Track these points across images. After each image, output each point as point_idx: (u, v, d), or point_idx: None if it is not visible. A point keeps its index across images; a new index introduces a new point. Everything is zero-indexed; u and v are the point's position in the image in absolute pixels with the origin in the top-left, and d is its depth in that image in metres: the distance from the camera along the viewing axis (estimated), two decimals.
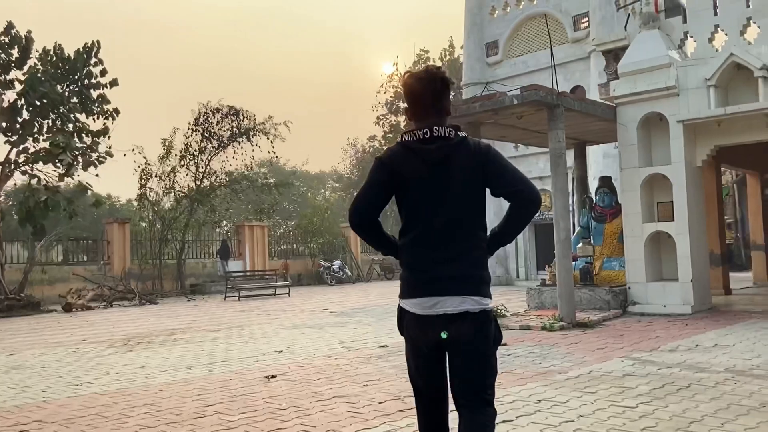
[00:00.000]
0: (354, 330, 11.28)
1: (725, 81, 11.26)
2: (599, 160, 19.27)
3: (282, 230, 31.48)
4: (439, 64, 40.37)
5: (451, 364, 2.80)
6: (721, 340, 8.36)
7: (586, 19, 21.27)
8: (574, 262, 12.09)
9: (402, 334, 2.93)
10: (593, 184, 16.18)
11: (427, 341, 2.78)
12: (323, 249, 29.91)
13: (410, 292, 2.82)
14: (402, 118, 41.16)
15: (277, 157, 26.21)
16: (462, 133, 2.85)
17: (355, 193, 3.02)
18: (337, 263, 28.05)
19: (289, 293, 21.55)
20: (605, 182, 13.64)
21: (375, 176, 2.86)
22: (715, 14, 11.67)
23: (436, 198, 2.77)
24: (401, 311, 2.89)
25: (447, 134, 2.80)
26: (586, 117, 11.75)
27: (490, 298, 2.82)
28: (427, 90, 2.85)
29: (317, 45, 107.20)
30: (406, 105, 2.94)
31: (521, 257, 22.80)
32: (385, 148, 30.31)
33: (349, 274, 28.39)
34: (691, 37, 11.92)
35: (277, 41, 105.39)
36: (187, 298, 21.97)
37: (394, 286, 26.20)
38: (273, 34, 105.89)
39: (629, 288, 11.93)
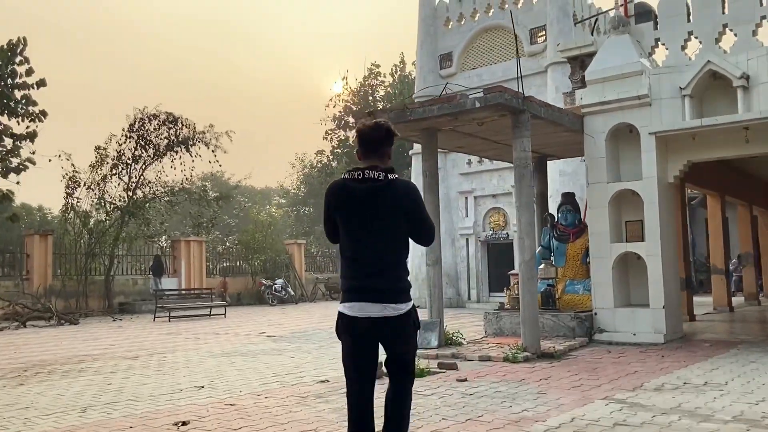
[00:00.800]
0: (291, 359, 9.94)
1: (700, 91, 10.45)
2: (555, 177, 18.44)
3: (222, 247, 29.74)
4: (389, 79, 39.49)
5: (386, 349, 3.68)
6: (709, 376, 7.35)
7: (543, 32, 20.56)
8: None
9: (339, 338, 3.71)
10: (551, 202, 15.29)
11: (356, 335, 3.59)
12: (265, 267, 28.37)
13: (345, 297, 3.64)
14: (351, 133, 40.06)
15: (220, 165, 24.61)
16: (392, 176, 3.59)
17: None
18: (279, 282, 26.54)
19: (225, 314, 19.97)
20: (568, 199, 12.70)
21: (325, 209, 3.74)
22: (689, 20, 10.90)
23: (364, 226, 3.58)
24: (339, 314, 3.68)
25: (377, 177, 3.55)
26: (551, 127, 10.77)
27: (409, 301, 3.65)
28: (373, 136, 3.63)
29: (266, 57, 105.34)
30: (357, 147, 3.72)
31: (473, 278, 21.77)
32: (333, 163, 29.00)
33: (292, 293, 26.91)
34: (663, 44, 11.11)
35: (226, 52, 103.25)
36: (112, 318, 20.16)
37: None
38: (222, 45, 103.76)
39: (595, 314, 10.93)
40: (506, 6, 21.76)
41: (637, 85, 10.64)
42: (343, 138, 39.82)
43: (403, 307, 3.60)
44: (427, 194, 10.54)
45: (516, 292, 11.92)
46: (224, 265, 28.92)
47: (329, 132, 40.43)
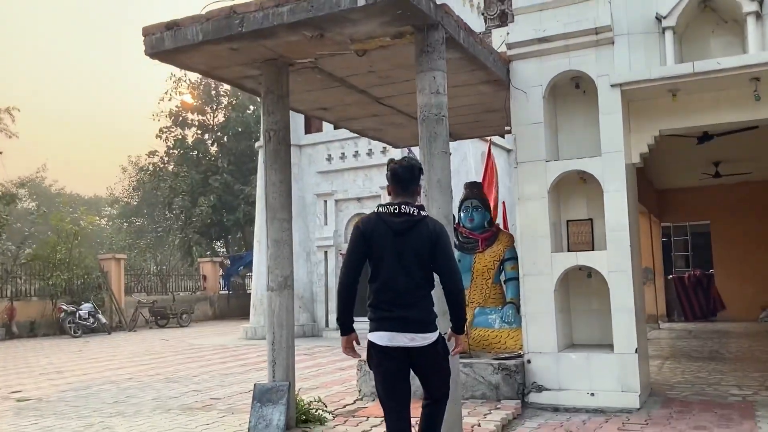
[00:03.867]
0: None
1: (682, 25, 7.03)
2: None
3: (13, 262, 23.36)
4: None
5: (419, 377, 3.99)
6: None
7: None
8: None
9: (370, 368, 4.00)
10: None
11: (389, 365, 3.87)
12: (72, 288, 22.57)
13: (376, 326, 3.88)
14: (189, 132, 34.87)
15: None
16: (423, 213, 3.99)
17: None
18: (86, 307, 20.89)
19: None
20: (474, 192, 8.88)
21: (354, 242, 3.98)
22: None
23: (396, 258, 3.87)
24: (370, 344, 3.91)
25: (411, 212, 3.92)
26: (465, 71, 6.89)
27: (436, 331, 3.92)
28: (405, 175, 4.01)
29: (82, 33, 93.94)
30: (389, 183, 4.06)
31: (333, 300, 17.59)
32: (170, 167, 23.96)
33: (104, 321, 21.34)
34: None
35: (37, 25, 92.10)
36: None
37: (165, 337, 19.92)
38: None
39: (528, 362, 7.14)
40: None
41: (593, 14, 7.05)
42: (179, 137, 34.46)
43: (432, 336, 3.88)
44: (273, 170, 6.32)
45: None
46: (16, 286, 22.62)
47: (164, 130, 34.90)
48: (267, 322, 6.32)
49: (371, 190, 17.26)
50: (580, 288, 7.59)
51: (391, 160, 4.10)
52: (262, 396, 6.00)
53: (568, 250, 7.44)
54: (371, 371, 4.08)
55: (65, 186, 58.90)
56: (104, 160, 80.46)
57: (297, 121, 18.27)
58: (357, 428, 5.94)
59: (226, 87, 34.36)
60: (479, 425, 5.88)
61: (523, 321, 7.26)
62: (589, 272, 7.31)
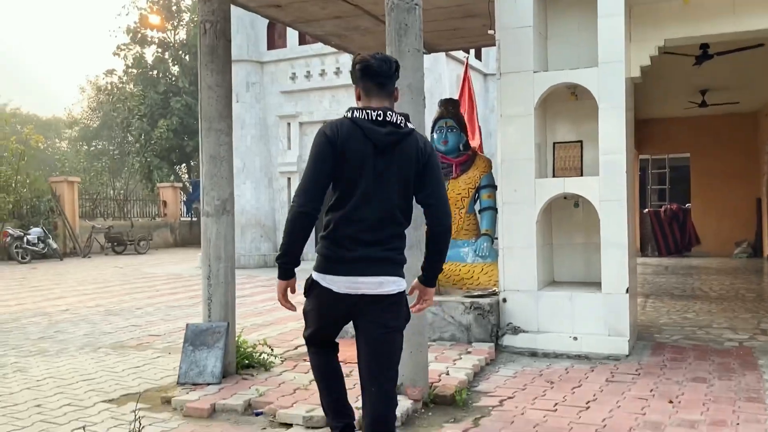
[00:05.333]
0: None
1: None
2: None
3: None
4: None
5: (362, 340, 3.03)
6: None
7: None
8: None
9: (307, 296, 3.13)
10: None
11: (337, 314, 3.09)
12: (20, 211, 21.33)
13: (330, 267, 2.98)
14: (149, 50, 32.87)
15: None
16: (410, 125, 3.01)
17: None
18: (35, 231, 19.74)
19: None
20: (450, 109, 7.88)
21: (319, 154, 2.91)
22: None
23: (374, 180, 2.92)
24: (313, 284, 3.04)
25: (398, 122, 2.95)
26: None
27: (404, 277, 3.03)
28: (383, 71, 3.00)
29: None
30: (357, 83, 3.04)
31: None
32: (128, 87, 22.18)
33: (55, 246, 20.24)
34: None
35: None
36: None
37: (120, 264, 18.97)
38: None
39: (504, 300, 6.34)
40: None
41: None
42: (138, 55, 32.51)
43: (403, 283, 3.04)
44: (208, 71, 5.26)
45: None
46: None
47: (121, 47, 32.91)
48: (202, 253, 5.38)
49: (339, 113, 16.01)
50: (563, 220, 6.77)
51: (358, 54, 3.13)
52: (195, 338, 5.12)
53: (554, 176, 6.56)
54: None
55: (20, 106, 56.05)
56: (66, 81, 77.15)
57: (259, 35, 16.92)
58: (306, 375, 5.13)
59: (188, 2, 32.34)
60: (448, 373, 5.09)
61: (499, 255, 6.43)
62: (576, 201, 6.47)
